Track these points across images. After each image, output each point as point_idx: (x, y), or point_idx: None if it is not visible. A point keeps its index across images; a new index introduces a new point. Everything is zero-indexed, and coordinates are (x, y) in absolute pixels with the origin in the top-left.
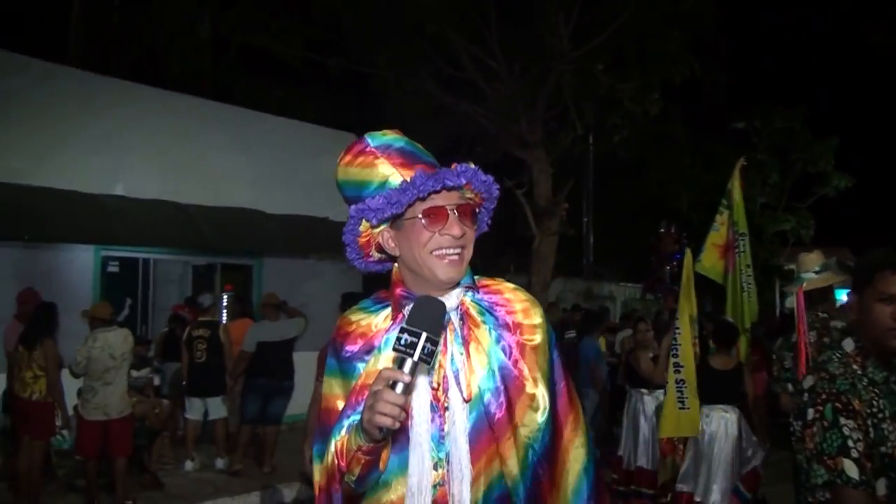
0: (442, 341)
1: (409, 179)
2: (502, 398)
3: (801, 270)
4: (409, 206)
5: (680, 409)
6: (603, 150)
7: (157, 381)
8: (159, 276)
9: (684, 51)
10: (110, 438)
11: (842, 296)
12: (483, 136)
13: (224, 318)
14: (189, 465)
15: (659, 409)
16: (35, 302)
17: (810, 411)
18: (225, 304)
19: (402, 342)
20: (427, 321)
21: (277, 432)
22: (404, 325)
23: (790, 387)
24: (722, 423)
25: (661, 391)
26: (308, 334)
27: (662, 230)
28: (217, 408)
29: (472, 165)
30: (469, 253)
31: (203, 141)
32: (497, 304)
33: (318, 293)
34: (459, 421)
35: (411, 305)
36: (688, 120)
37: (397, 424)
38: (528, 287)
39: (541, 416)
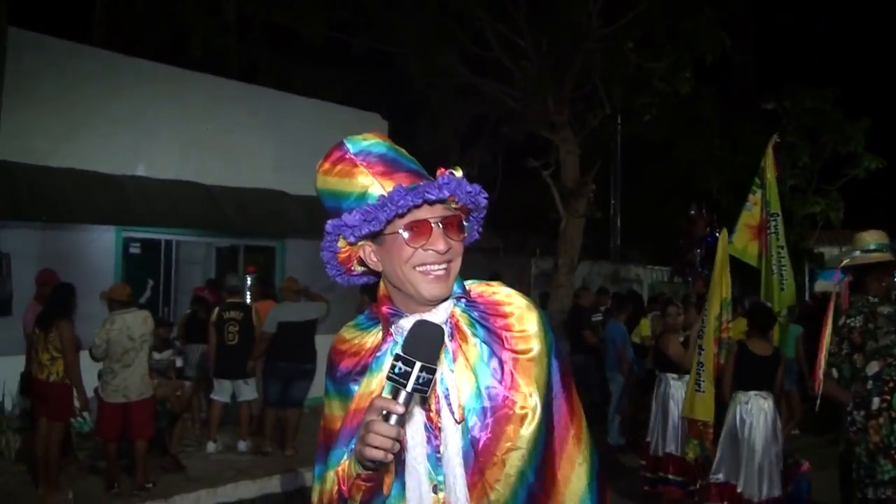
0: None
1: (387, 192)
2: (488, 419)
3: (854, 248)
4: (389, 220)
5: (696, 391)
6: (631, 130)
7: (179, 364)
8: (182, 258)
9: (716, 28)
10: (131, 421)
11: None
12: (509, 116)
13: (247, 301)
14: (212, 446)
15: None
16: (53, 283)
17: (876, 400)
18: (248, 285)
19: (396, 371)
20: (423, 348)
21: (300, 415)
22: (399, 353)
23: (835, 372)
24: (762, 410)
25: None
26: (331, 317)
27: (693, 212)
28: (247, 390)
29: (459, 174)
30: (457, 266)
31: (227, 121)
32: (489, 314)
33: None
34: (453, 443)
35: (407, 331)
36: (717, 101)
37: (391, 457)
38: (554, 270)
39: (534, 433)
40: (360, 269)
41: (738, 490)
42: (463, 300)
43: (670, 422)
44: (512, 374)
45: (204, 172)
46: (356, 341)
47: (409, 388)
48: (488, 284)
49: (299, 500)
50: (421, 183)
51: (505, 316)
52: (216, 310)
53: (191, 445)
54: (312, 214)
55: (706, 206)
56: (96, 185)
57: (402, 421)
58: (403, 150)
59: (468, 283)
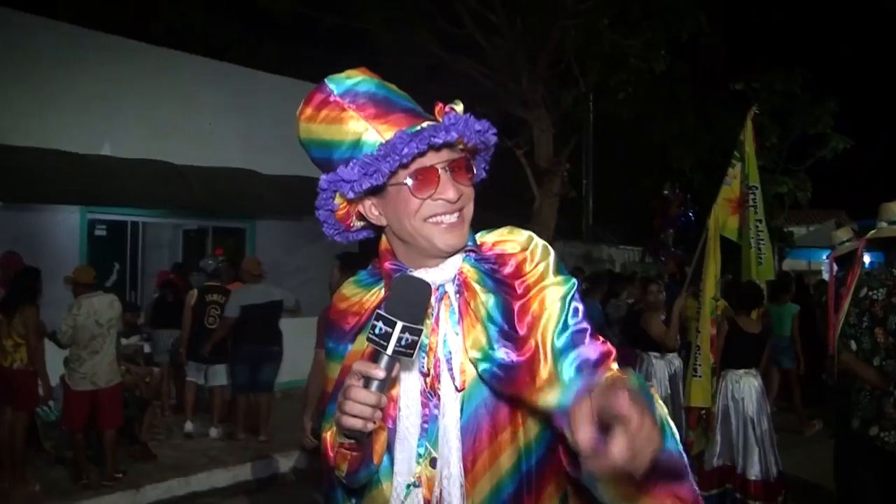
0: (433, 321)
1: (385, 139)
2: (505, 379)
3: (881, 219)
4: (392, 171)
5: (693, 377)
6: (605, 109)
7: (147, 349)
8: (149, 241)
9: (692, 5)
10: (99, 409)
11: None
12: (482, 95)
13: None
14: (190, 426)
15: (673, 375)
16: (17, 266)
17: None
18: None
19: (377, 332)
20: (407, 307)
21: (271, 400)
22: (380, 311)
23: (853, 344)
24: (752, 387)
25: (674, 355)
26: (302, 298)
27: (667, 192)
28: (219, 375)
29: (460, 109)
30: (469, 212)
31: (195, 99)
32: (499, 264)
33: (314, 256)
34: (451, 412)
35: (391, 287)
36: (688, 80)
37: (371, 426)
38: None
39: (558, 393)
40: (359, 224)
41: (738, 471)
42: (472, 254)
43: None
44: (528, 322)
45: (171, 151)
46: (356, 299)
47: (389, 350)
48: (509, 231)
49: (274, 488)
50: (424, 126)
51: (514, 255)
52: (195, 293)
53: (161, 433)
54: (284, 194)
55: (679, 185)
56: (61, 165)
57: (384, 387)
58: (394, 86)
59: (480, 235)
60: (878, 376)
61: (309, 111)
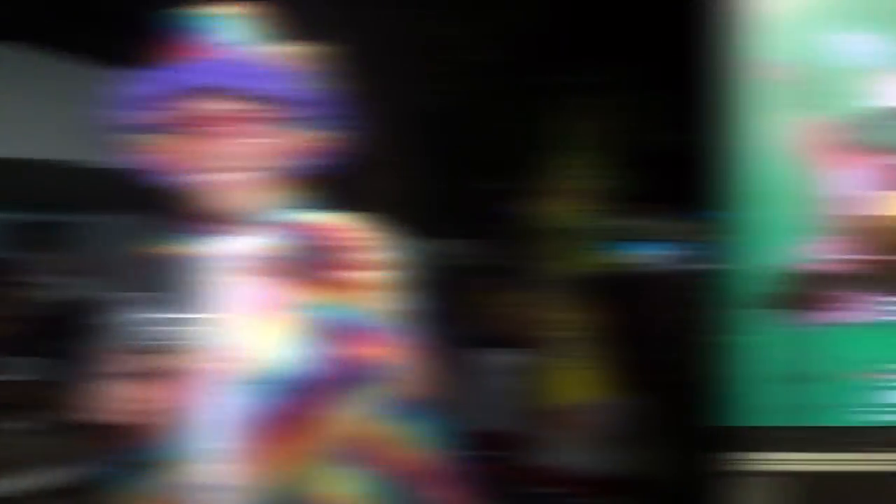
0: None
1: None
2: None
3: None
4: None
5: None
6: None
7: None
8: None
9: None
10: None
11: None
12: None
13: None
14: None
15: None
16: None
17: None
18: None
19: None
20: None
21: None
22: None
23: None
24: None
25: None
26: None
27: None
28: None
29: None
30: (256, 177)
31: None
32: (312, 237)
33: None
34: (236, 410)
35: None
36: (513, 71)
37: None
38: None
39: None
40: None
41: None
42: (282, 232)
43: None
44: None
45: None
46: None
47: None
48: (342, 218)
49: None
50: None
51: (338, 231)
52: None
53: None
54: (103, 187)
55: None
56: None
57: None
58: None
59: (302, 212)
60: None
61: None
